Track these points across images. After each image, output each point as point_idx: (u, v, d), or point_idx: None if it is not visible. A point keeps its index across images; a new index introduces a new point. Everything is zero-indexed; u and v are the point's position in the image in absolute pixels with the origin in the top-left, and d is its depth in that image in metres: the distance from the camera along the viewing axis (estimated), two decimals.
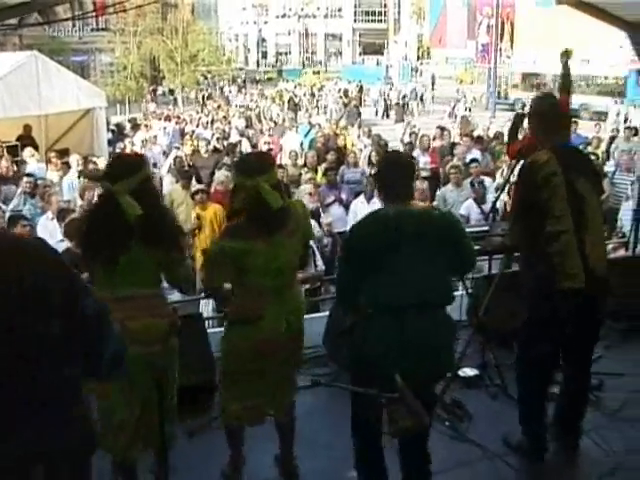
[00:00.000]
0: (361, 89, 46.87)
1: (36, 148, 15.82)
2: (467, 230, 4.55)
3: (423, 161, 14.03)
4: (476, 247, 5.83)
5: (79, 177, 11.06)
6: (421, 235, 3.83)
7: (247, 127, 23.69)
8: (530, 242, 4.71)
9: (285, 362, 4.26)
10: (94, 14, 35.18)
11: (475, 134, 17.58)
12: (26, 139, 15.81)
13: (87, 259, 4.03)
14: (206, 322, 7.65)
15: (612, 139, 16.90)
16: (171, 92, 49.15)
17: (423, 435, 3.94)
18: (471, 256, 4.21)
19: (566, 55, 6.47)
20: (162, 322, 3.99)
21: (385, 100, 42.40)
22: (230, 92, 48.67)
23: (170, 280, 4.22)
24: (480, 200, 9.79)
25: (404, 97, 41.44)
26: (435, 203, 10.33)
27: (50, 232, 9.15)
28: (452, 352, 4.21)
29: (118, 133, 21.22)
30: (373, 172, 11.06)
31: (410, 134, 18.62)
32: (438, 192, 11.12)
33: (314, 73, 62.02)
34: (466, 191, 10.52)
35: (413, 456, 4.07)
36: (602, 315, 4.90)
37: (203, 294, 6.74)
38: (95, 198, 10.66)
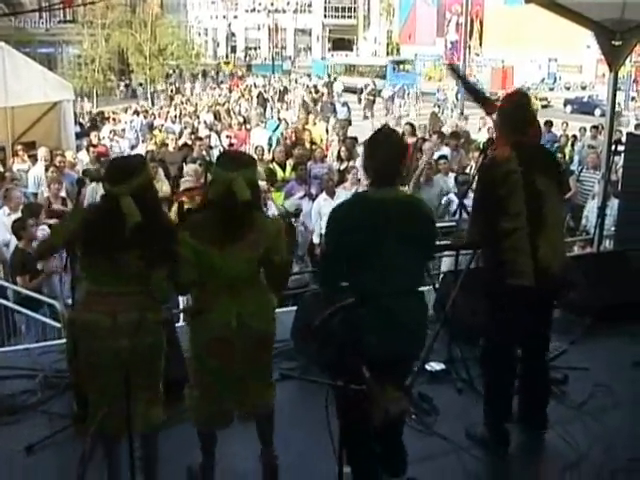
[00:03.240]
0: (331, 84, 46.89)
1: None
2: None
3: None
4: (445, 242, 5.92)
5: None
6: (404, 222, 3.83)
7: (216, 122, 23.63)
8: (486, 238, 4.78)
9: (246, 361, 4.18)
10: (61, 6, 34.77)
11: (447, 131, 17.67)
12: None
13: (83, 254, 4.08)
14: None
15: None
16: (140, 85, 48.79)
17: (396, 426, 3.98)
18: (434, 249, 4.41)
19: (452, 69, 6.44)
20: (152, 316, 4.03)
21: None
22: (198, 86, 48.50)
23: (153, 289, 4.20)
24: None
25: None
26: None
27: (7, 228, 9.00)
28: (426, 330, 4.29)
29: (87, 126, 21.05)
30: (361, 155, 11.11)
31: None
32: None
33: (284, 72, 61.91)
34: (436, 188, 10.57)
35: (388, 448, 4.11)
36: (553, 311, 5.01)
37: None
38: (62, 191, 10.71)
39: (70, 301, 4.19)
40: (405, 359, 4.08)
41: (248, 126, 20.67)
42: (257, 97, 36.76)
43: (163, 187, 11.57)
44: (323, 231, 9.86)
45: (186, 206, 4.67)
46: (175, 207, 6.97)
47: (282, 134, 17.96)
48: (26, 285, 7.79)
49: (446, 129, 19.28)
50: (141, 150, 15.07)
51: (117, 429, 3.97)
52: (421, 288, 4.16)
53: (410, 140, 15.64)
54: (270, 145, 17.23)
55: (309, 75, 56.55)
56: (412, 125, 17.63)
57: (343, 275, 3.93)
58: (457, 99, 38.54)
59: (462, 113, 31.69)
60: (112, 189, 3.95)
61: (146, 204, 3.94)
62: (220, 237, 4.00)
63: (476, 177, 5.06)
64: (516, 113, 4.77)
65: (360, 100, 41.29)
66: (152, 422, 4.20)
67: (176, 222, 4.39)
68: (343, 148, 14.63)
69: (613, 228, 8.95)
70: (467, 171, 12.21)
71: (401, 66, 54.98)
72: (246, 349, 4.14)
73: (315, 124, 21.28)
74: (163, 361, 4.24)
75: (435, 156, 12.37)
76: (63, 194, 10.91)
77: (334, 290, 4.02)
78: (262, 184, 8.57)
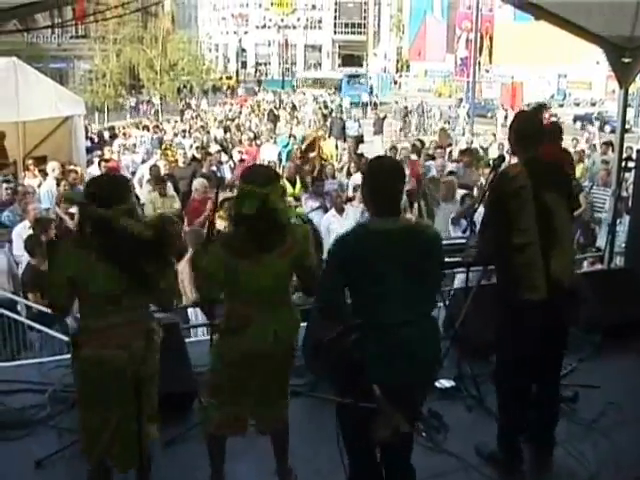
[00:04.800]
0: (340, 101, 47.05)
1: (6, 157, 15.70)
2: (446, 242, 4.59)
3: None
4: (455, 259, 5.91)
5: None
6: (407, 252, 3.78)
7: (226, 137, 23.70)
8: (496, 253, 4.79)
9: (273, 375, 4.22)
10: (74, 22, 34.97)
11: (459, 147, 17.65)
12: None
13: (85, 289, 3.89)
14: (195, 330, 7.67)
15: None
16: (149, 101, 49.00)
17: (406, 448, 3.96)
18: (441, 275, 4.29)
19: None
20: (156, 340, 4.05)
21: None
22: (208, 101, 48.73)
23: (156, 303, 4.22)
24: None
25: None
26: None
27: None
28: (439, 358, 4.27)
29: (98, 141, 21.14)
30: (359, 182, 11.07)
31: (390, 147, 18.67)
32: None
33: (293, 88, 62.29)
34: (456, 205, 10.53)
35: (396, 469, 4.07)
36: (567, 326, 4.95)
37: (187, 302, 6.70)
38: (73, 207, 10.70)
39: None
40: (414, 389, 3.95)
41: (258, 142, 20.71)
42: (267, 113, 36.85)
43: (174, 204, 11.59)
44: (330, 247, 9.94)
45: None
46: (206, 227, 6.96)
47: (292, 151, 17.96)
48: (38, 301, 7.80)
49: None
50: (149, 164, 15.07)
51: (120, 455, 3.99)
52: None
53: (415, 157, 15.68)
54: (280, 161, 17.25)
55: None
56: (422, 141, 17.66)
57: (341, 300, 3.88)
58: (468, 116, 38.55)
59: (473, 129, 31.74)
60: (107, 212, 3.80)
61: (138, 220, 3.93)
62: (253, 249, 3.99)
63: (487, 192, 5.07)
64: (525, 130, 4.79)
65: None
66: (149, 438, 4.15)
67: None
68: (352, 164, 14.66)
69: (623, 244, 8.92)
70: (474, 191, 12.17)
71: (355, 79, 59.54)
72: (276, 364, 4.18)
73: (325, 140, 21.31)
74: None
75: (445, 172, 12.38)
76: (73, 210, 10.90)
77: (336, 320, 3.92)
78: None
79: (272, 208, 3.95)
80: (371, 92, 57.22)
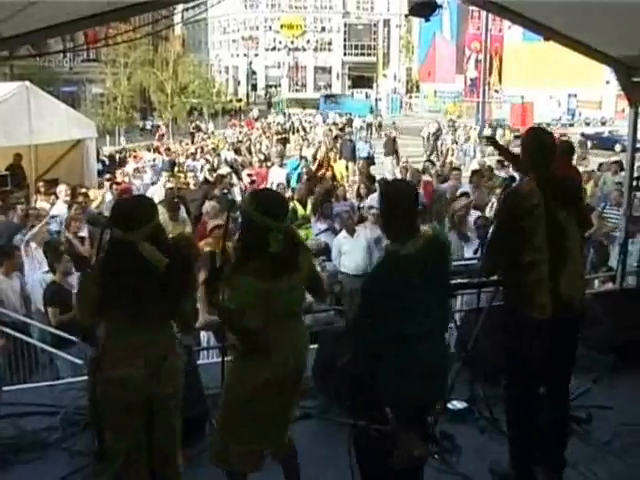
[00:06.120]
0: (350, 122, 47.16)
1: (25, 178, 15.84)
2: (458, 264, 4.62)
3: None
4: (466, 280, 5.90)
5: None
6: (429, 268, 3.87)
7: (236, 159, 23.74)
8: (506, 271, 4.79)
9: (290, 400, 4.22)
10: (85, 47, 35.27)
11: (472, 168, 17.61)
12: (16, 169, 15.81)
13: (107, 307, 3.93)
14: (205, 353, 7.65)
15: None
16: (161, 124, 49.19)
17: (418, 469, 3.95)
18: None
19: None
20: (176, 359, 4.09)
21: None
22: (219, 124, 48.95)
23: (179, 324, 4.24)
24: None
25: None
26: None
27: (39, 262, 9.17)
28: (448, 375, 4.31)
29: (109, 164, 21.24)
30: (372, 204, 11.06)
31: (401, 168, 18.66)
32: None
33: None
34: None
35: None
36: (575, 345, 4.91)
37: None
38: (83, 231, 10.73)
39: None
40: (428, 405, 4.05)
41: (269, 163, 20.73)
42: (277, 134, 36.93)
43: (186, 228, 11.57)
44: (342, 268, 9.94)
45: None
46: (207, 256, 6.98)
47: (302, 173, 17.93)
48: (56, 318, 7.83)
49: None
50: (161, 187, 15.07)
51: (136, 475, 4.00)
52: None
53: (427, 178, 15.66)
54: (288, 182, 17.26)
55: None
56: (432, 162, 17.66)
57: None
58: (479, 138, 38.37)
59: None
60: (126, 236, 3.87)
61: (160, 244, 3.95)
62: (280, 271, 4.04)
63: (497, 209, 5.07)
64: (537, 148, 4.79)
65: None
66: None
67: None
68: (362, 185, 14.65)
69: (635, 264, 8.88)
70: (487, 211, 12.16)
71: (331, 99, 67.74)
72: (294, 385, 4.18)
73: (336, 161, 21.32)
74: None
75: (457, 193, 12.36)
76: (83, 234, 10.89)
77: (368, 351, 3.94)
78: None
79: (296, 240, 4.16)
80: (371, 111, 58.91)
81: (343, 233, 10.45)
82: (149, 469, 4.00)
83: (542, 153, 4.76)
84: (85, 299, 4.01)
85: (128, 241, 3.86)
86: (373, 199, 12.23)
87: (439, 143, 36.62)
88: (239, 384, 4.16)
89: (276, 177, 17.46)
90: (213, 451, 4.33)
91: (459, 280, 6.36)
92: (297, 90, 78.63)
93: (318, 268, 4.54)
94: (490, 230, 6.75)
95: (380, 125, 50.12)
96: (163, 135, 44.26)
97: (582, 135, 36.60)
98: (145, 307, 3.88)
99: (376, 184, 14.27)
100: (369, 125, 49.25)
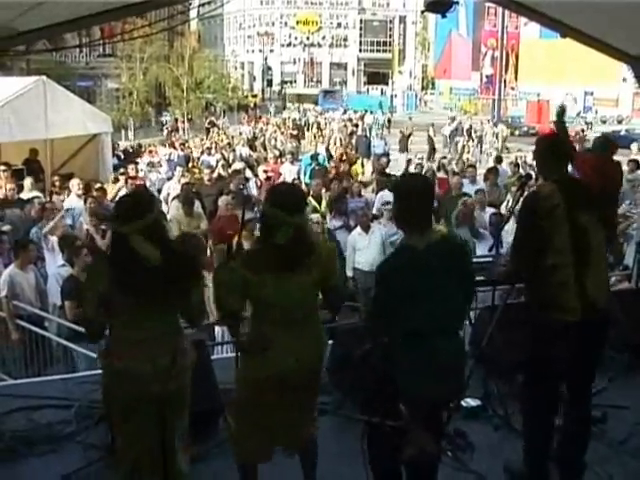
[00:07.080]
0: (362, 118, 46.98)
1: (42, 172, 15.90)
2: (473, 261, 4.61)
3: None
4: (480, 278, 5.88)
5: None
6: (445, 265, 3.90)
7: (251, 154, 23.77)
8: (529, 272, 4.75)
9: (298, 397, 4.18)
10: (101, 42, 35.39)
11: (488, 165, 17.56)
12: (32, 163, 15.87)
13: (114, 302, 3.93)
14: (221, 347, 7.67)
15: None
16: (176, 119, 49.22)
17: (431, 467, 3.94)
18: (473, 284, 4.37)
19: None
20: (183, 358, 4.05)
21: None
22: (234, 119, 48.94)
23: (186, 319, 4.24)
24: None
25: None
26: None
27: (54, 257, 9.23)
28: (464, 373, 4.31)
29: (124, 158, 21.28)
30: (386, 199, 11.03)
31: (416, 165, 18.64)
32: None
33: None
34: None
35: None
36: (602, 346, 4.88)
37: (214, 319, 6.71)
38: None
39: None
40: (442, 402, 4.04)
41: (284, 159, 20.73)
42: (292, 130, 36.90)
43: (201, 224, 11.58)
44: (356, 265, 9.94)
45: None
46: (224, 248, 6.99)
47: (315, 168, 17.91)
48: (72, 311, 7.88)
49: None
50: (176, 182, 15.10)
51: (147, 471, 3.99)
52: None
53: (442, 175, 15.63)
54: (298, 177, 17.26)
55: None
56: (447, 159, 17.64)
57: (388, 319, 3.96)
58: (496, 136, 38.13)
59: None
60: (121, 228, 3.90)
61: (158, 238, 3.94)
62: (279, 266, 4.00)
63: (518, 210, 5.03)
64: (548, 153, 4.79)
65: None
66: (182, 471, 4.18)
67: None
68: (377, 182, 14.65)
69: None
70: (502, 208, 12.14)
71: (330, 94, 68.33)
72: (300, 385, 4.14)
73: (356, 162, 21.27)
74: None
75: (473, 190, 12.32)
76: (104, 226, 10.90)
77: (381, 334, 4.06)
78: None
79: (303, 235, 4.03)
80: (381, 107, 58.40)
81: (358, 229, 10.44)
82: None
83: (555, 158, 4.75)
84: (88, 290, 4.04)
85: (122, 234, 3.89)
86: (384, 196, 12.22)
87: (458, 140, 36.43)
88: (243, 379, 4.24)
89: (287, 174, 17.48)
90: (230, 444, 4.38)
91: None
92: (312, 86, 78.57)
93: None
94: (505, 227, 6.78)
95: (389, 121, 49.85)
96: (172, 131, 44.26)
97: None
98: (144, 301, 3.87)
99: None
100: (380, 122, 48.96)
